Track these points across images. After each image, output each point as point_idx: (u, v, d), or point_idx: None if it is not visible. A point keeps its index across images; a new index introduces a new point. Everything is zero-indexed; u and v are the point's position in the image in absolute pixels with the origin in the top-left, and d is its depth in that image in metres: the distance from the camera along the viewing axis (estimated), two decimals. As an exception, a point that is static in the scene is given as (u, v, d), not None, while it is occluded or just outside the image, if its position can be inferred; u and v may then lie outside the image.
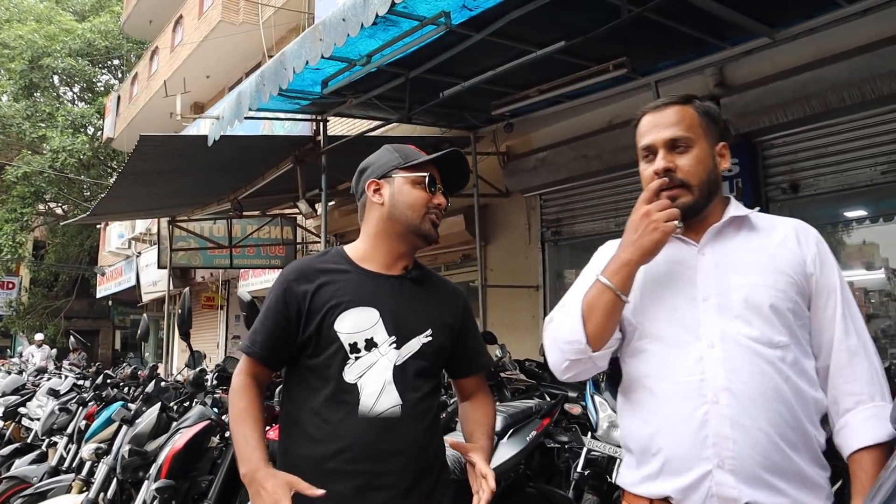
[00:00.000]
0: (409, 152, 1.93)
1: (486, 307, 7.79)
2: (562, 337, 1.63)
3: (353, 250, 1.93)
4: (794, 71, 5.74)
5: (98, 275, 22.92)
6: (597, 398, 4.71)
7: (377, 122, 7.00)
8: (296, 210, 9.52)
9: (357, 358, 1.77)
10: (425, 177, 1.87)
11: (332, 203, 10.51)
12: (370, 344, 1.78)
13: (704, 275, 1.60)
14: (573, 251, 8.43)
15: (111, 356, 26.65)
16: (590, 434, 4.65)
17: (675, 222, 1.54)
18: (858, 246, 6.25)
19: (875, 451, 1.51)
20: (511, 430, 3.27)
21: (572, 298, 1.68)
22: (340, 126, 9.42)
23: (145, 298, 18.72)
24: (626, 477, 1.67)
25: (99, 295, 22.83)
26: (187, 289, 3.60)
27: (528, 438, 3.25)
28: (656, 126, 1.64)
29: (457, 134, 7.87)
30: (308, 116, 7.20)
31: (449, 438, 1.91)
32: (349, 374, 1.77)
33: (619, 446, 4.36)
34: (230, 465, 2.94)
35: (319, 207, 7.43)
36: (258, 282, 13.66)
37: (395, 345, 1.81)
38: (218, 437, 3.21)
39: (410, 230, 1.87)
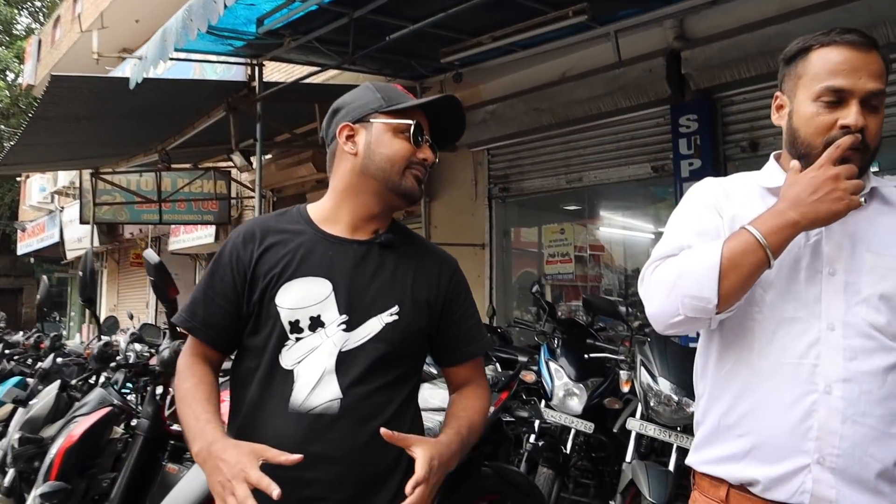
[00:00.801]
0: (393, 93, 1.60)
1: (430, 267, 7.49)
2: (687, 290, 1.35)
3: (315, 209, 1.62)
4: (759, 24, 5.49)
5: (18, 230, 21.75)
6: (552, 365, 4.46)
7: (317, 69, 6.49)
8: (230, 163, 8.96)
9: (298, 339, 1.47)
10: (411, 124, 1.54)
11: (269, 156, 10.00)
12: (315, 323, 1.48)
13: (834, 245, 1.40)
14: (521, 209, 8.17)
15: (36, 316, 25.45)
16: (543, 402, 4.41)
17: (861, 198, 1.32)
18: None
19: None
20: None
21: (686, 243, 1.43)
22: (277, 72, 8.88)
23: (70, 256, 17.86)
24: (699, 456, 1.50)
25: (20, 252, 21.79)
26: (88, 249, 3.12)
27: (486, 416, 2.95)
28: (858, 70, 1.37)
29: (402, 83, 7.40)
30: (242, 60, 6.68)
31: (384, 430, 1.41)
32: (286, 359, 1.47)
33: (575, 416, 4.14)
34: (137, 459, 2.50)
35: (255, 160, 6.95)
36: (190, 238, 13.04)
37: (344, 325, 1.49)
38: (122, 426, 2.75)
39: (388, 187, 1.55)
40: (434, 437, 1.49)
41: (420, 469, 1.35)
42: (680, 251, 1.43)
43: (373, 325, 1.51)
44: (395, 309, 1.53)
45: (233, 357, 1.62)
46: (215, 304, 1.53)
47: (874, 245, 1.39)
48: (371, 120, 1.57)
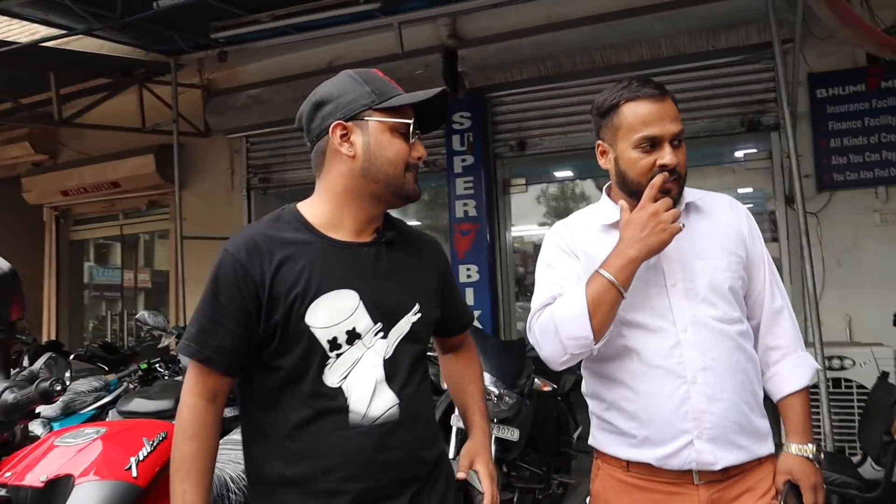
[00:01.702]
0: (381, 85, 1.51)
1: (181, 261, 6.75)
2: (567, 333, 1.62)
3: (312, 214, 1.52)
4: (532, 31, 5.81)
5: None
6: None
7: (60, 31, 5.47)
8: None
9: (338, 355, 1.43)
10: (409, 124, 1.48)
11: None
12: (352, 336, 1.44)
13: (669, 260, 1.69)
14: (283, 201, 7.66)
15: None
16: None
17: (680, 223, 1.61)
18: (577, 202, 6.71)
19: (802, 394, 1.75)
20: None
21: (556, 292, 1.70)
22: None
23: None
24: (601, 439, 1.77)
25: None
26: None
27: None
28: (662, 118, 1.65)
29: (155, 58, 6.57)
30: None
31: (460, 475, 1.65)
32: (330, 377, 1.42)
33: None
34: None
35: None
36: None
37: (381, 333, 1.48)
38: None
39: (390, 190, 1.49)
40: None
41: (487, 492, 1.61)
42: (554, 300, 1.69)
43: (403, 327, 1.51)
44: (417, 307, 1.54)
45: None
46: (226, 328, 1.41)
47: (699, 252, 1.70)
48: (366, 118, 1.48)
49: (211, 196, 7.54)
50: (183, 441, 1.41)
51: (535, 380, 4.06)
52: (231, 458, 2.29)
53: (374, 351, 1.46)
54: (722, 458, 1.63)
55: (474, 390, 1.79)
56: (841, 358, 4.10)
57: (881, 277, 5.07)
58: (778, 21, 4.38)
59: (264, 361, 1.45)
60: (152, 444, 1.89)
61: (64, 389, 1.79)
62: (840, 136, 5.27)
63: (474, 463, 1.65)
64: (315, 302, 1.42)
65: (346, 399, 1.43)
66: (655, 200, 1.62)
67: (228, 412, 3.73)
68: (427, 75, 6.15)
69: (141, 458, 1.84)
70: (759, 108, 5.48)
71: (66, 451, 1.82)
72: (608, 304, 1.60)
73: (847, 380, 4.17)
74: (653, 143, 1.65)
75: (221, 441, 2.55)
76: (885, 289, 4.96)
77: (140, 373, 4.07)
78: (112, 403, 3.59)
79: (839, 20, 4.52)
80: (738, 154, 5.93)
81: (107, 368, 4.38)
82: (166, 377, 4.07)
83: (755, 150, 5.75)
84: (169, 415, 2.96)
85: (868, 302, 4.93)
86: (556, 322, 1.64)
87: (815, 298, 3.96)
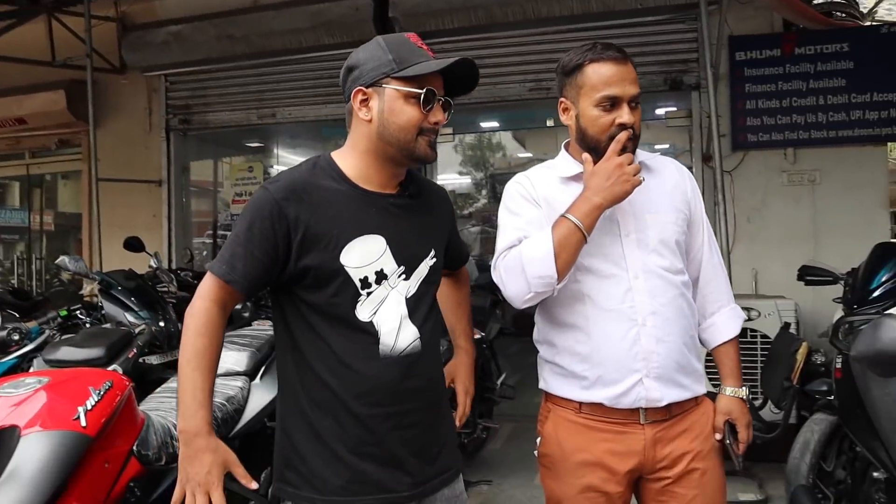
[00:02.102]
0: (405, 52, 1.58)
1: (97, 204, 6.48)
2: (533, 272, 1.72)
3: (346, 164, 1.65)
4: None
5: None
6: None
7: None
8: None
9: (368, 294, 1.59)
10: (421, 93, 1.56)
11: None
12: (380, 276, 1.60)
13: (623, 212, 1.80)
14: (204, 143, 7.55)
15: None
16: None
17: (640, 176, 1.73)
18: (500, 152, 6.80)
19: (734, 342, 1.95)
20: (263, 368, 2.67)
21: (521, 235, 1.79)
22: None
23: None
24: (554, 384, 1.88)
25: None
26: None
27: (283, 375, 2.70)
28: (623, 80, 1.75)
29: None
30: None
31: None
32: (362, 312, 1.59)
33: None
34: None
35: None
36: None
37: (404, 275, 1.64)
38: None
39: (403, 153, 1.61)
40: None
41: (460, 407, 1.94)
42: (519, 242, 1.78)
43: (422, 271, 1.67)
44: (433, 252, 1.71)
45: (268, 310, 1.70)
46: (255, 257, 1.54)
47: (651, 207, 1.83)
48: (383, 85, 1.57)
49: (127, 136, 7.23)
50: (196, 336, 1.52)
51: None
52: (172, 407, 2.28)
53: (398, 291, 1.62)
54: (667, 394, 1.77)
55: (462, 313, 2.03)
56: (748, 309, 4.34)
57: (786, 234, 5.39)
58: (704, -17, 4.50)
59: (301, 296, 1.59)
60: (99, 394, 1.86)
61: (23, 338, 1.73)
62: (755, 99, 5.50)
63: (454, 381, 1.89)
64: (349, 244, 1.57)
65: (377, 332, 1.59)
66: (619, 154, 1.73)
67: (155, 360, 3.71)
68: (357, 19, 6.04)
69: (89, 407, 1.81)
70: (681, 67, 5.64)
71: (6, 401, 1.77)
72: (573, 246, 1.70)
73: (752, 330, 4.44)
74: (613, 103, 1.75)
75: (161, 389, 2.55)
76: (789, 245, 5.27)
77: (59, 320, 3.95)
78: (34, 352, 3.48)
79: (761, -15, 4.69)
80: (660, 111, 6.12)
81: (17, 315, 4.22)
82: (88, 324, 3.97)
83: (675, 109, 5.93)
84: (100, 363, 2.91)
85: (773, 257, 5.24)
86: (522, 262, 1.73)
87: (726, 253, 4.18)
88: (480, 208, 9.21)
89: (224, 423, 2.38)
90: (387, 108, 1.58)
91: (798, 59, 5.41)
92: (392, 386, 1.59)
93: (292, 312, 1.62)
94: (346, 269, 1.57)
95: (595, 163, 1.75)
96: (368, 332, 1.58)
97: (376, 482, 1.59)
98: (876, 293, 3.56)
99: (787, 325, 4.18)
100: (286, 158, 7.50)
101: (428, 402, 1.68)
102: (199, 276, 5.42)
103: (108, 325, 3.83)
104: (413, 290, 1.65)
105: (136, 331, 3.51)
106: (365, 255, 1.59)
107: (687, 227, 1.89)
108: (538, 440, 1.91)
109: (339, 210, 1.59)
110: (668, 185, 1.89)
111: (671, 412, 1.80)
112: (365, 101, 1.60)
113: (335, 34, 6.18)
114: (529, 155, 9.04)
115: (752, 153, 5.54)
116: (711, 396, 1.93)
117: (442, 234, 1.80)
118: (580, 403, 1.81)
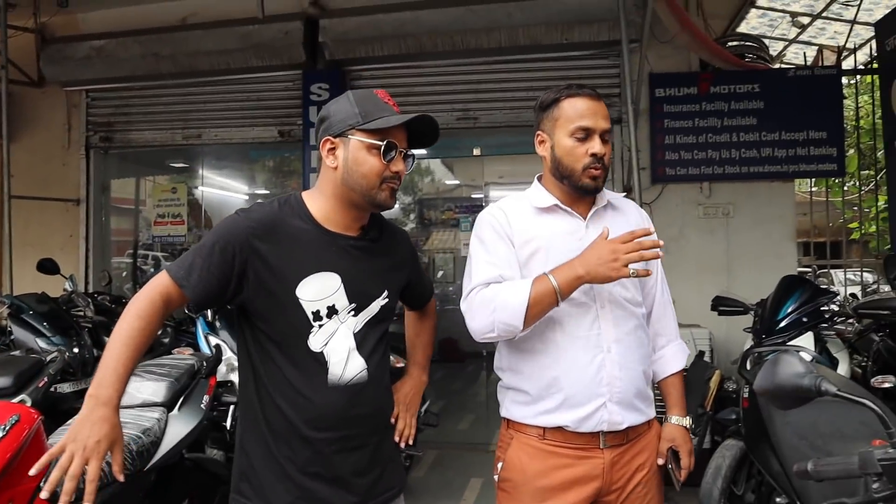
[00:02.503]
0: (370, 107, 1.73)
1: (9, 223, 6.20)
2: (501, 318, 1.81)
3: (313, 206, 1.79)
4: (396, 7, 5.82)
5: None
6: (212, 339, 4.19)
7: None
8: None
9: (320, 326, 1.71)
10: (381, 145, 1.70)
11: None
12: (331, 311, 1.73)
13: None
14: (126, 162, 7.34)
15: None
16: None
17: (631, 270, 1.77)
18: (427, 177, 6.85)
19: (680, 375, 2.09)
20: (182, 399, 2.60)
21: (495, 273, 1.88)
22: None
23: None
24: (517, 412, 1.95)
25: None
26: None
27: (202, 406, 2.63)
28: (597, 114, 1.89)
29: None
30: None
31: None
32: (314, 343, 1.71)
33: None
34: None
35: None
36: None
37: (353, 312, 1.76)
38: None
39: (366, 200, 1.75)
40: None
41: (400, 422, 1.96)
42: (494, 279, 1.87)
43: (372, 309, 1.79)
44: (385, 294, 1.83)
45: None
46: (211, 273, 1.64)
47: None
48: (349, 136, 1.71)
49: (44, 153, 6.97)
50: (134, 318, 1.58)
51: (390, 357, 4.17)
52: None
53: (347, 325, 1.74)
54: (627, 418, 1.88)
55: (419, 343, 2.15)
56: (665, 337, 4.48)
57: (701, 264, 5.61)
58: (627, 21, 4.69)
59: (260, 326, 1.71)
60: (4, 429, 1.79)
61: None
62: (673, 134, 5.74)
63: (396, 400, 1.97)
64: (307, 279, 1.69)
65: (326, 362, 1.71)
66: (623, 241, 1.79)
67: (68, 388, 3.56)
68: (286, 43, 6.03)
69: (-7, 443, 1.74)
70: (605, 101, 5.82)
71: None
72: (545, 306, 1.80)
73: (668, 357, 4.58)
74: (586, 134, 1.88)
75: (71, 422, 2.45)
76: (703, 275, 5.49)
77: (-38, 345, 3.77)
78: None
79: (680, 26, 4.92)
80: (584, 143, 6.30)
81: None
82: (-6, 349, 3.79)
83: (599, 141, 6.12)
84: (7, 393, 2.78)
85: (690, 287, 5.43)
86: (495, 304, 1.82)
87: (645, 282, 4.32)
88: (409, 232, 9.24)
89: (139, 456, 2.31)
90: (351, 157, 1.71)
91: (713, 97, 5.69)
92: (339, 412, 1.71)
93: (253, 341, 1.75)
94: (301, 301, 1.69)
95: (570, 190, 1.92)
96: (319, 362, 1.70)
97: (322, 499, 1.72)
98: (782, 324, 3.76)
99: (701, 354, 4.34)
100: (212, 180, 7.37)
101: (373, 427, 1.80)
102: (117, 301, 5.26)
103: (17, 352, 3.66)
104: (360, 326, 1.77)
105: (48, 358, 3.37)
106: (320, 290, 1.71)
107: (645, 264, 1.97)
108: (499, 465, 1.97)
109: (302, 246, 1.71)
110: (632, 224, 1.98)
111: (628, 436, 1.91)
112: (332, 150, 1.74)
113: (264, 57, 6.15)
114: (457, 182, 9.15)
115: (671, 186, 5.77)
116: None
117: (398, 276, 1.91)
118: (544, 429, 1.88)
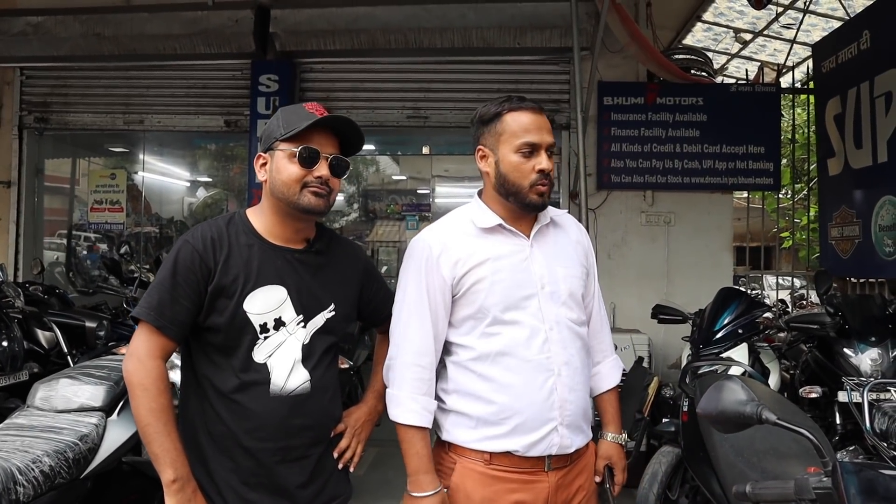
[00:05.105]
0: (293, 118, 1.77)
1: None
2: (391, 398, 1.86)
3: (256, 221, 1.84)
4: (350, 1, 5.77)
5: None
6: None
7: None
8: None
9: (266, 338, 1.74)
10: (296, 151, 1.74)
11: None
12: (279, 323, 1.76)
13: (538, 265, 1.88)
14: (62, 144, 7.09)
15: None
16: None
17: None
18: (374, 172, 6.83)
19: (615, 390, 2.09)
20: (122, 403, 2.52)
21: (429, 343, 1.85)
22: None
23: None
24: (461, 435, 1.87)
25: None
26: None
27: (143, 410, 2.55)
28: (542, 129, 1.85)
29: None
30: None
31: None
32: (258, 354, 1.74)
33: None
34: None
35: None
36: None
37: (302, 323, 1.80)
38: None
39: (290, 206, 1.77)
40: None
41: (345, 437, 1.91)
42: (423, 356, 1.84)
43: (318, 321, 1.82)
44: (332, 306, 1.84)
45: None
46: (180, 303, 1.68)
47: (560, 260, 1.92)
48: (275, 148, 1.77)
49: (-28, 131, 6.67)
50: (157, 395, 1.63)
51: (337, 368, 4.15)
52: (17, 447, 2.13)
53: (296, 337, 1.78)
54: (575, 441, 1.86)
55: (379, 370, 2.07)
56: (605, 343, 4.58)
57: (642, 271, 5.75)
58: (578, 29, 4.76)
59: (206, 337, 1.73)
60: None
61: None
62: (620, 142, 5.86)
63: (346, 424, 1.94)
64: (253, 293, 1.73)
65: (269, 373, 1.73)
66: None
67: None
68: (235, 31, 5.90)
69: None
70: (554, 107, 5.91)
71: None
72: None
73: (609, 362, 4.68)
74: (532, 150, 1.83)
75: (3, 426, 2.37)
76: (644, 281, 5.63)
77: None
78: None
79: (630, 37, 5.01)
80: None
81: None
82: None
83: (547, 146, 6.20)
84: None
85: (630, 293, 5.57)
86: (391, 392, 1.86)
87: (588, 289, 4.40)
88: (351, 221, 9.21)
89: (76, 464, 2.24)
90: (274, 167, 1.77)
91: (659, 108, 5.82)
92: (281, 423, 1.74)
93: (198, 351, 1.76)
94: (248, 314, 1.72)
95: (515, 208, 1.87)
96: (261, 373, 1.73)
97: None
98: (719, 335, 3.88)
99: (640, 360, 4.45)
100: (153, 166, 7.17)
101: (315, 438, 1.81)
102: (49, 290, 5.07)
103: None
104: (308, 338, 1.80)
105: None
106: (267, 302, 1.74)
107: (587, 280, 2.00)
108: (444, 491, 1.87)
109: (247, 261, 1.75)
110: (573, 242, 1.99)
111: (571, 458, 1.88)
112: (263, 165, 1.80)
113: (212, 44, 6.00)
114: (403, 177, 9.14)
115: (615, 193, 5.88)
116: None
117: (348, 290, 1.92)
118: (490, 454, 1.82)
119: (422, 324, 1.85)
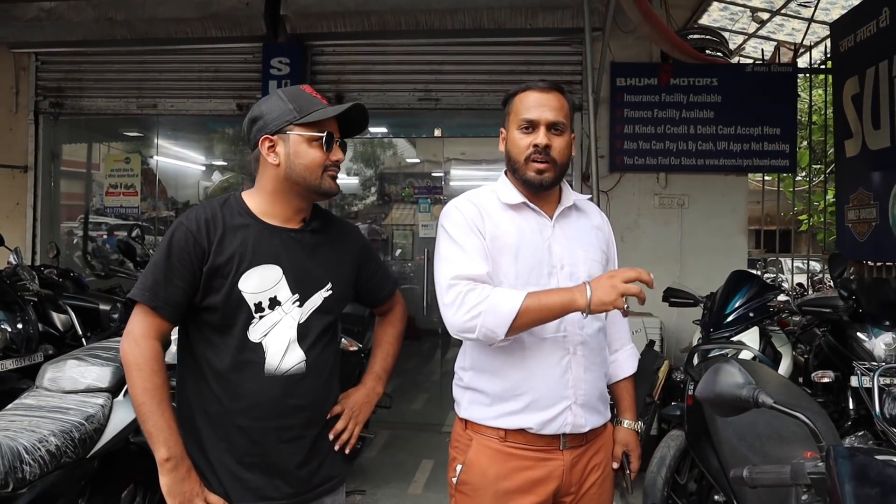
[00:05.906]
0: (304, 102, 1.79)
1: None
2: (487, 324, 1.75)
3: (252, 202, 1.85)
4: (360, -16, 5.73)
5: None
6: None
7: None
8: None
9: (261, 317, 1.76)
10: (322, 136, 1.78)
11: None
12: (274, 302, 1.77)
13: (559, 245, 1.91)
14: (76, 129, 7.12)
15: None
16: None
17: (625, 305, 1.73)
18: (387, 155, 6.85)
19: (632, 378, 2.13)
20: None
21: (477, 270, 1.81)
22: None
23: None
24: (477, 413, 1.91)
25: None
26: None
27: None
28: (543, 106, 1.89)
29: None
30: None
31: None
32: (254, 334, 1.75)
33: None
34: None
35: None
36: None
37: (297, 302, 1.80)
38: None
39: (310, 189, 1.81)
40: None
41: (339, 425, 1.91)
42: (480, 276, 1.81)
43: (315, 300, 1.83)
44: (329, 285, 1.86)
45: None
46: (174, 284, 1.70)
47: (582, 243, 1.96)
48: (287, 132, 1.77)
49: (-11, 117, 6.74)
50: (151, 374, 1.67)
51: (343, 339, 4.15)
52: (24, 427, 2.16)
53: (291, 316, 1.79)
54: (589, 420, 1.89)
55: (379, 353, 2.12)
56: (616, 326, 4.57)
57: (655, 254, 5.70)
58: (590, 9, 4.69)
59: (203, 317, 1.75)
60: None
61: None
62: (633, 124, 5.79)
63: (343, 406, 1.94)
64: (248, 272, 1.74)
65: (264, 353, 1.75)
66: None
67: (10, 364, 3.48)
68: (247, 14, 5.90)
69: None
70: (566, 88, 5.81)
71: None
72: (530, 322, 1.76)
73: (621, 345, 4.67)
74: (532, 126, 1.89)
75: (11, 406, 2.40)
76: (658, 264, 5.58)
77: None
78: None
79: (642, 16, 4.94)
80: (543, 130, 6.32)
81: None
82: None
83: (559, 128, 6.15)
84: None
85: (642, 275, 5.52)
86: (484, 307, 1.75)
87: (599, 272, 4.37)
88: (369, 205, 9.20)
89: (81, 444, 2.27)
90: (292, 151, 1.77)
91: (672, 89, 5.75)
92: (275, 402, 1.75)
93: (194, 331, 1.79)
94: (244, 293, 1.74)
95: (521, 186, 1.91)
96: (255, 352, 1.75)
97: (256, 489, 1.75)
98: (730, 318, 3.85)
99: (651, 343, 4.43)
100: (168, 150, 7.19)
101: (310, 418, 1.82)
102: (64, 274, 5.13)
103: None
104: (305, 318, 1.81)
105: (-10, 334, 3.28)
106: (261, 282, 1.76)
107: (607, 266, 2.02)
108: (458, 468, 1.93)
109: (242, 241, 1.76)
110: (594, 226, 2.03)
111: (587, 438, 1.91)
112: (272, 147, 1.79)
113: (223, 27, 6.01)
114: (417, 160, 9.11)
115: (628, 175, 5.83)
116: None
117: (344, 268, 1.93)
118: (506, 431, 1.87)
119: (475, 248, 1.85)
